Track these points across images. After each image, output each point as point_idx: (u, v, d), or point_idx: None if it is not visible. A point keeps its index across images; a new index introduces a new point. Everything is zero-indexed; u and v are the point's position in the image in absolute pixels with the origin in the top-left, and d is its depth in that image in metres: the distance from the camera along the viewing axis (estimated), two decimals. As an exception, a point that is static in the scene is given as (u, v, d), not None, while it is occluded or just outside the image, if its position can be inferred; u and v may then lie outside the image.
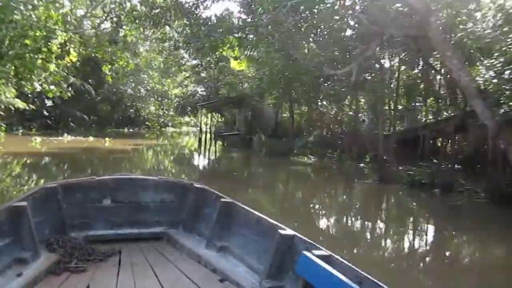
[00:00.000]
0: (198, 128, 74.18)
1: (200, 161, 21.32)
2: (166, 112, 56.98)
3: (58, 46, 18.54)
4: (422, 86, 20.65)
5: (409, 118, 25.98)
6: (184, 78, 51.42)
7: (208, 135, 35.52)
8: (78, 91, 35.88)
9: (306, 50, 18.43)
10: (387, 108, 25.48)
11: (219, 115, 41.82)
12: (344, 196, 13.93)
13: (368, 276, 2.42)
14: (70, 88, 33.80)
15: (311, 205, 11.47)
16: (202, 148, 29.34)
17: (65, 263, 3.24)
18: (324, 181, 16.37)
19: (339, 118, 24.51)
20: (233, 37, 18.17)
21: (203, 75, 46.78)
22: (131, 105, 48.27)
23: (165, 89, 52.90)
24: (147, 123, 52.09)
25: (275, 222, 3.43)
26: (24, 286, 2.75)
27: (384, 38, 13.39)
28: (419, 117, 24.47)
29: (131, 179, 4.51)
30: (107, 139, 27.67)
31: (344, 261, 2.67)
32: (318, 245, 2.92)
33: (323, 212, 10.95)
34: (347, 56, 17.06)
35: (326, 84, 21.08)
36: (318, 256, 2.69)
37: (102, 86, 42.76)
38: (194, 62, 49.22)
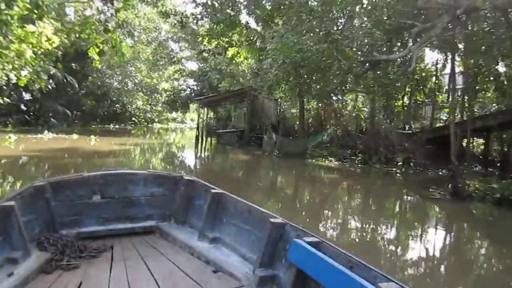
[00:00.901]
0: (186, 125, 72.56)
1: (206, 166, 18.20)
2: (154, 107, 53.97)
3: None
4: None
5: (424, 114, 23.87)
6: (174, 71, 48.61)
7: (198, 132, 32.75)
8: (60, 84, 32.91)
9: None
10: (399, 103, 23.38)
11: (211, 112, 38.90)
12: (437, 229, 9.38)
13: (360, 260, 2.45)
14: (51, 80, 31.10)
15: (399, 249, 7.49)
16: (200, 147, 26.53)
17: (57, 261, 3.21)
18: (375, 195, 12.82)
19: (354, 114, 22.10)
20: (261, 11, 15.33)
21: (198, 66, 43.98)
22: (117, 100, 44.99)
23: (154, 82, 49.84)
24: (133, 119, 48.96)
25: (266, 211, 3.46)
26: (15, 285, 2.74)
27: (458, 12, 10.28)
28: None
29: (120, 174, 4.42)
30: (92, 137, 24.81)
31: (335, 247, 2.70)
32: (309, 232, 2.96)
33: (426, 265, 6.69)
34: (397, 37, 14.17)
35: (369, 73, 17.76)
36: (309, 243, 2.74)
37: (87, 79, 39.67)
38: (186, 53, 46.75)
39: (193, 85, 48.28)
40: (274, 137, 19.99)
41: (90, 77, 40.07)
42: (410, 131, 19.35)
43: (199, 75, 44.86)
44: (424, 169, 15.64)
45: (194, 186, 4.37)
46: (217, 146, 27.77)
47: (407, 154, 16.18)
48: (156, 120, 55.25)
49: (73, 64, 35.66)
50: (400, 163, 16.13)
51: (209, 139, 30.62)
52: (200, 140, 29.50)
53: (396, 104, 22.99)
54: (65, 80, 33.63)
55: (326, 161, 17.78)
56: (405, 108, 23.24)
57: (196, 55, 43.39)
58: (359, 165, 16.93)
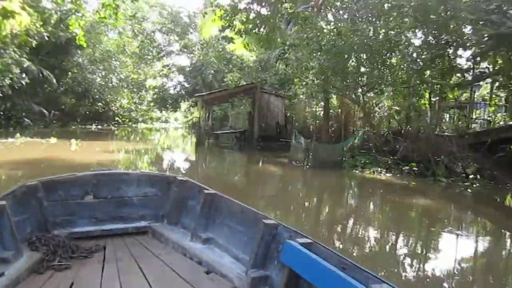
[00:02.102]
0: (170, 124, 68.49)
1: (237, 186, 12.55)
2: (139, 106, 50.04)
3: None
4: None
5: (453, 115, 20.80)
6: (162, 66, 44.85)
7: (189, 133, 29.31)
8: (35, 80, 29.13)
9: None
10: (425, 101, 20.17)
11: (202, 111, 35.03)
12: None
13: (352, 261, 2.45)
14: (24, 75, 27.28)
15: None
16: (201, 154, 22.89)
17: (48, 261, 3.20)
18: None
19: (385, 113, 18.77)
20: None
21: (190, 61, 40.46)
22: (99, 98, 40.79)
23: (141, 78, 45.90)
24: (117, 118, 44.79)
25: (259, 212, 3.44)
26: (6, 286, 2.72)
27: None
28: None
29: (113, 174, 4.43)
30: (73, 141, 21.09)
31: (328, 248, 2.69)
32: (301, 233, 2.96)
33: None
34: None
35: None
36: (302, 244, 2.73)
37: (66, 75, 35.70)
38: (176, 47, 43.18)
39: (183, 82, 44.58)
40: (303, 141, 16.38)
41: (70, 73, 36.17)
42: (459, 135, 16.00)
43: (190, 71, 41.31)
44: (502, 184, 12.38)
45: (187, 186, 4.32)
46: (221, 151, 24.12)
47: (479, 165, 12.94)
48: (140, 119, 51.23)
49: (51, 58, 31.85)
50: (471, 175, 12.77)
51: (205, 141, 26.84)
52: (197, 144, 25.87)
53: (422, 102, 19.85)
54: (41, 75, 29.76)
55: (373, 172, 14.31)
56: (430, 107, 20.02)
57: (187, 49, 39.91)
58: (415, 178, 13.44)
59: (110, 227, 4.02)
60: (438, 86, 17.48)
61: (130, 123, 46.93)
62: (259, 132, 27.30)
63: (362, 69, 16.69)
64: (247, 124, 29.32)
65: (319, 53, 14.91)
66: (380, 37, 13.75)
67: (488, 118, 19.71)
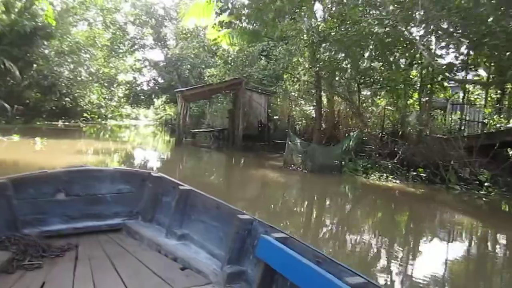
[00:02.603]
0: (139, 121, 65.98)
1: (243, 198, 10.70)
2: (109, 102, 47.56)
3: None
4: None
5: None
6: (136, 60, 42.67)
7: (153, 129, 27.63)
8: (-5, 71, 26.77)
9: None
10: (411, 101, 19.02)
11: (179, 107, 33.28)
12: None
13: (327, 255, 2.50)
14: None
15: None
16: (182, 154, 21.12)
17: (19, 260, 3.11)
18: None
19: (379, 113, 17.55)
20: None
21: (164, 55, 38.55)
22: (67, 93, 38.14)
23: (112, 72, 43.46)
24: (85, 114, 42.22)
25: (234, 207, 3.44)
26: None
27: None
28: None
29: (86, 170, 4.31)
30: (38, 139, 19.06)
31: (303, 242, 2.72)
32: (277, 228, 2.98)
33: None
34: None
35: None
36: (277, 239, 2.75)
37: (31, 67, 33.17)
38: (148, 42, 41.14)
39: (157, 77, 42.50)
40: (299, 142, 14.89)
41: (35, 65, 33.61)
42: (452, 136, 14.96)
43: (164, 65, 39.38)
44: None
45: (161, 183, 4.28)
46: (202, 151, 22.46)
47: (494, 171, 11.83)
48: (110, 116, 48.71)
49: (14, 48, 29.40)
50: (486, 183, 11.59)
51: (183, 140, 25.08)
52: (176, 143, 24.08)
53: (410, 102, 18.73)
54: (3, 67, 27.38)
55: (380, 179, 12.95)
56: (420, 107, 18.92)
57: (161, 42, 38.01)
58: (425, 184, 12.19)
59: (82, 225, 3.91)
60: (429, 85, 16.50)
61: (99, 120, 44.50)
62: (237, 131, 25.95)
63: (373, 64, 15.29)
64: (226, 123, 27.86)
65: (322, 44, 13.49)
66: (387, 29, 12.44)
67: (484, 120, 18.83)
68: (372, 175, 13.30)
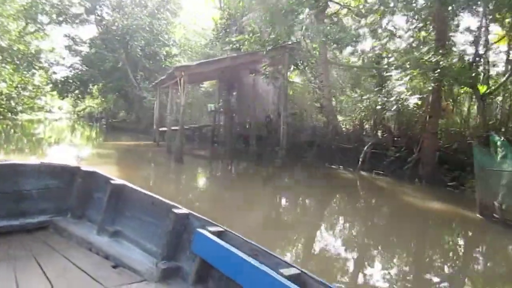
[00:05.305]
0: (53, 114, 54.49)
1: None
2: (22, 91, 37.26)
3: None
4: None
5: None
6: (64, 36, 33.31)
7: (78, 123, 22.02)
8: None
9: None
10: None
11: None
12: None
13: (263, 248, 2.50)
14: None
15: None
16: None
17: None
18: None
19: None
20: None
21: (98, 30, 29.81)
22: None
23: (31, 51, 33.25)
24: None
25: (170, 202, 3.33)
26: None
27: None
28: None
29: (9, 165, 4.01)
30: None
31: (239, 235, 2.69)
32: (213, 222, 2.93)
33: None
34: None
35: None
36: (213, 233, 2.73)
37: None
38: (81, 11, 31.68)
39: (92, 58, 32.94)
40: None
41: None
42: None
43: (106, 41, 30.50)
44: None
45: (93, 177, 4.13)
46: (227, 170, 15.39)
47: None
48: (20, 109, 39.52)
49: None
50: None
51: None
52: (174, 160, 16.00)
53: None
54: None
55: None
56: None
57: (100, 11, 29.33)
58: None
59: (5, 223, 3.62)
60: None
61: (9, 115, 36.29)
62: (237, 130, 18.92)
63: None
64: (208, 118, 23.48)
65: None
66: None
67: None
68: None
